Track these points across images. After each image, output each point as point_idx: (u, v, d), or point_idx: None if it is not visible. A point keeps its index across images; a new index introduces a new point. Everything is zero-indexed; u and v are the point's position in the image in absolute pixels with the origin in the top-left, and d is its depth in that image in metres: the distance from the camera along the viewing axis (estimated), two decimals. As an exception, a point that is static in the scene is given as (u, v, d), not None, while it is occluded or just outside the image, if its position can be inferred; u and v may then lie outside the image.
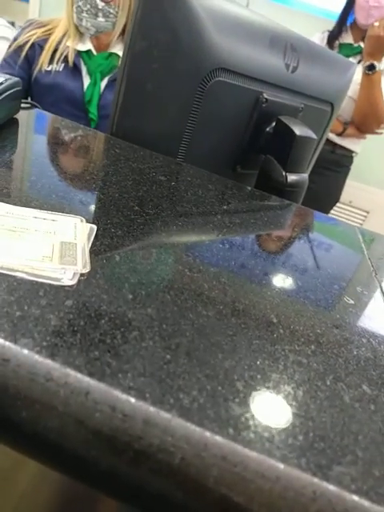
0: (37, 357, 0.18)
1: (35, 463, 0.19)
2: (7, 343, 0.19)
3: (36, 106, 0.57)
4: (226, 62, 0.58)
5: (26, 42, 1.05)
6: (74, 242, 0.28)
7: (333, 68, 0.81)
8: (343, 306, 0.32)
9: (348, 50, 1.50)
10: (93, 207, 0.35)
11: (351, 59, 1.41)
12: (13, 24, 1.22)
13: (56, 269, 0.25)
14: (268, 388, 0.21)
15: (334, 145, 1.56)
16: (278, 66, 0.67)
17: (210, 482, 0.17)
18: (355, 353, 0.26)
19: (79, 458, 0.17)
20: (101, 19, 1.01)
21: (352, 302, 0.33)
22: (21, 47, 1.05)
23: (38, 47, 1.05)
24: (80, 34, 1.05)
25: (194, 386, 0.19)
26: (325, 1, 2.18)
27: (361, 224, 2.27)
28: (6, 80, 0.45)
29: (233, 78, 0.59)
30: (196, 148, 0.60)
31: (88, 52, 1.06)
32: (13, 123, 0.48)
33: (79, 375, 0.18)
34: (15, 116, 0.49)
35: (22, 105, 0.52)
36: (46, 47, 1.04)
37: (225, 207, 0.44)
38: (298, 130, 0.63)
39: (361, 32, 1.47)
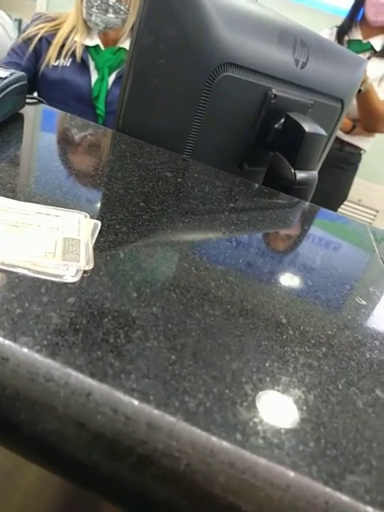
0: (37, 356, 0.18)
1: (35, 465, 0.18)
2: (6, 341, 0.18)
3: (41, 102, 0.57)
4: (234, 56, 0.56)
5: (35, 34, 1.04)
6: (77, 238, 0.27)
7: (343, 64, 0.80)
8: (355, 306, 0.31)
9: (357, 47, 1.48)
10: (97, 203, 0.34)
11: (360, 56, 1.39)
12: (20, 21, 1.22)
13: (58, 265, 0.24)
14: (277, 391, 0.20)
15: (342, 142, 1.54)
16: (287, 61, 0.66)
17: (217, 490, 0.16)
18: (368, 356, 0.25)
19: (79, 462, 0.17)
20: (111, 15, 1.00)
21: (364, 302, 0.32)
22: (30, 39, 1.05)
23: (45, 42, 1.05)
24: (88, 30, 1.05)
25: (200, 388, 0.19)
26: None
27: (370, 223, 2.25)
28: (10, 74, 0.45)
29: (241, 73, 0.58)
30: (203, 144, 0.59)
31: (96, 47, 1.05)
32: (18, 118, 0.48)
33: (80, 376, 0.17)
34: (20, 111, 0.49)
35: (28, 100, 0.52)
36: (54, 42, 1.03)
37: (232, 204, 0.44)
38: (308, 126, 0.62)
39: (370, 29, 1.45)
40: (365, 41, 1.49)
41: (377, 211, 2.26)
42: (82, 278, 0.24)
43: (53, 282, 0.23)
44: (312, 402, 0.20)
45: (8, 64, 1.04)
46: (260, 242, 0.38)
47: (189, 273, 0.28)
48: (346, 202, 1.74)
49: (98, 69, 1.06)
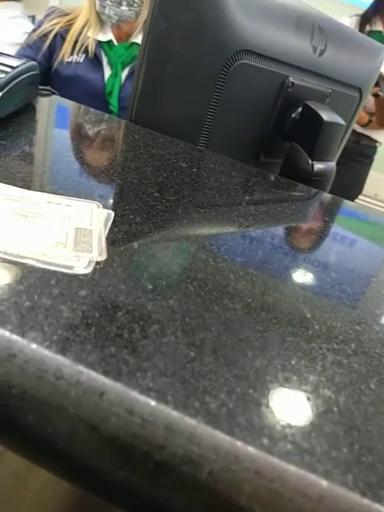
0: (46, 352, 0.16)
1: (46, 467, 0.17)
2: (14, 336, 0.17)
3: (54, 93, 0.55)
4: (251, 43, 0.54)
5: (50, 31, 1.03)
6: (89, 229, 0.26)
7: (362, 52, 0.77)
8: (383, 300, 0.29)
9: (378, 38, 1.43)
10: (110, 193, 0.33)
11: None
12: (33, 18, 1.21)
13: (70, 256, 0.23)
14: (305, 392, 0.19)
15: (358, 134, 1.51)
16: (304, 48, 0.63)
17: (243, 500, 0.15)
18: (400, 353, 0.23)
19: (91, 467, 0.15)
20: (124, 8, 0.98)
21: (393, 296, 0.30)
22: (45, 35, 1.04)
23: (59, 38, 1.04)
24: (101, 24, 1.03)
25: (221, 387, 0.17)
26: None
27: (386, 218, 2.19)
28: (22, 63, 0.44)
29: (258, 60, 0.56)
30: (218, 135, 0.57)
31: (109, 42, 1.04)
32: (30, 109, 0.47)
33: (93, 373, 0.16)
34: (33, 102, 0.48)
35: (40, 91, 0.51)
36: (68, 38, 1.02)
37: (249, 196, 0.42)
38: (326, 115, 0.60)
39: None
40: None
41: (394, 205, 2.21)
42: (95, 269, 0.22)
43: (64, 274, 0.21)
44: (343, 402, 0.19)
45: (22, 57, 1.04)
46: (279, 233, 0.36)
47: (206, 264, 0.26)
48: (361, 196, 1.70)
49: (111, 64, 1.05)
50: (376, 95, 1.35)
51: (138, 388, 0.16)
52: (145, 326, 0.19)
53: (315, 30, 0.65)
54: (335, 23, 0.69)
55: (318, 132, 0.60)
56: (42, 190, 0.29)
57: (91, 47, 1.02)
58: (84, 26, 1.04)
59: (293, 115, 0.63)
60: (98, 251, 0.24)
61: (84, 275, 0.22)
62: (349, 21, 1.49)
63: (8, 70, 0.41)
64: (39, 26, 1.06)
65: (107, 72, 1.05)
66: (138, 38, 1.06)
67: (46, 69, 1.05)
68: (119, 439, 0.15)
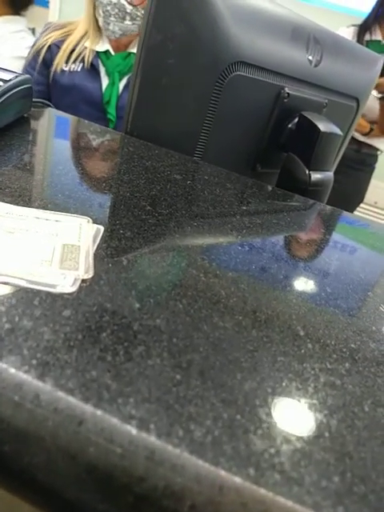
0: (25, 377, 0.16)
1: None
2: (-8, 361, 0.16)
3: (48, 105, 0.55)
4: (246, 55, 0.54)
5: (44, 45, 1.04)
6: (77, 245, 0.25)
7: (358, 62, 0.77)
8: (379, 316, 0.28)
9: (377, 47, 1.44)
10: (101, 207, 0.33)
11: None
12: (33, 30, 1.22)
13: (55, 274, 0.22)
14: (296, 416, 0.18)
15: (359, 143, 1.51)
16: (300, 59, 0.64)
17: (227, 536, 0.14)
18: (396, 371, 0.23)
19: (71, 500, 0.15)
20: (128, 22, 0.99)
21: (389, 311, 0.29)
22: (39, 51, 1.05)
23: (55, 48, 1.04)
24: (100, 36, 1.04)
25: (207, 413, 0.16)
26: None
27: (387, 226, 2.19)
28: (15, 77, 0.44)
29: (253, 71, 0.56)
30: (213, 146, 0.57)
31: (106, 52, 1.05)
32: (23, 122, 0.47)
33: (72, 400, 0.15)
34: (26, 115, 0.48)
35: (34, 103, 0.51)
36: (63, 47, 1.03)
37: (244, 207, 0.41)
38: (323, 125, 0.59)
39: None
40: (385, 41, 1.45)
41: (394, 213, 2.20)
42: (81, 287, 0.22)
43: (48, 293, 0.21)
44: (335, 427, 0.18)
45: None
46: (274, 246, 0.35)
47: (197, 280, 0.26)
48: (361, 204, 1.69)
49: (108, 74, 1.05)
50: (382, 98, 1.34)
51: (119, 415, 0.15)
52: (130, 347, 0.19)
53: (310, 40, 0.65)
54: (331, 34, 0.69)
55: (315, 142, 0.59)
56: (31, 204, 0.29)
57: (88, 58, 1.03)
58: (81, 37, 1.04)
59: (289, 126, 0.63)
60: (84, 268, 0.23)
61: (69, 294, 0.21)
62: (347, 31, 1.50)
63: (0, 83, 0.41)
64: (35, 44, 1.07)
65: (105, 81, 1.06)
66: (135, 48, 1.07)
67: (45, 84, 1.05)
68: (98, 470, 0.14)
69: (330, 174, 0.64)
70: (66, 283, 0.22)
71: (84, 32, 1.04)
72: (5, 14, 1.09)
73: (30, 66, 1.06)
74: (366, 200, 1.68)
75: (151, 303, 0.22)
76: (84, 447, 0.15)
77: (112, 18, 0.98)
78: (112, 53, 1.05)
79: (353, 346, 0.24)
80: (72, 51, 1.03)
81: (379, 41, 1.47)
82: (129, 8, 0.97)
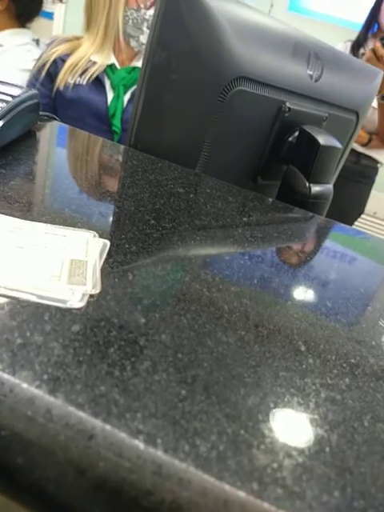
0: (36, 392, 0.16)
1: None
2: (5, 376, 0.17)
3: (54, 118, 0.56)
4: (248, 70, 0.56)
5: (48, 59, 1.05)
6: (84, 260, 0.26)
7: (358, 76, 0.79)
8: (379, 331, 0.29)
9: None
10: (107, 221, 0.33)
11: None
12: (37, 41, 1.24)
13: (64, 289, 0.23)
14: (297, 431, 0.18)
15: (359, 155, 1.52)
16: (301, 74, 0.65)
17: (231, 549, 0.14)
18: (395, 387, 0.23)
19: (80, 513, 0.15)
20: (145, 29, 1.01)
21: (388, 326, 0.30)
22: (44, 65, 1.06)
23: (60, 61, 1.06)
24: (109, 49, 1.05)
25: (212, 429, 0.17)
26: (344, 11, 2.17)
27: (386, 236, 2.20)
28: (23, 92, 0.45)
29: (254, 87, 0.57)
30: (216, 159, 0.58)
31: (111, 66, 1.06)
32: (30, 136, 0.47)
33: (82, 415, 0.16)
34: (33, 128, 0.49)
35: (41, 117, 0.52)
36: (70, 61, 1.04)
37: (245, 219, 0.42)
38: (322, 139, 0.60)
39: None
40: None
41: (393, 223, 2.22)
42: (88, 302, 0.22)
43: (57, 308, 0.21)
44: (335, 442, 0.18)
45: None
46: (275, 260, 0.36)
47: (200, 295, 0.27)
48: (361, 215, 1.70)
49: (113, 87, 1.07)
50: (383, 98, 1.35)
51: (128, 430, 0.16)
52: (136, 362, 0.19)
53: (311, 56, 0.66)
54: (331, 50, 0.71)
55: (315, 155, 0.61)
56: (39, 219, 0.29)
57: (95, 72, 1.04)
58: (90, 52, 1.05)
59: (290, 139, 0.64)
60: (92, 284, 0.24)
61: (77, 309, 0.22)
62: (343, 46, 1.53)
63: (8, 98, 0.42)
64: (40, 57, 1.08)
65: (110, 95, 1.07)
66: (139, 63, 1.08)
67: (49, 97, 1.07)
68: (108, 484, 0.15)
69: (330, 187, 0.65)
70: (74, 298, 0.22)
71: (93, 47, 1.05)
72: (11, 26, 1.10)
73: (34, 78, 1.08)
74: (365, 211, 1.70)
75: (156, 318, 0.23)
76: (94, 461, 0.15)
77: (145, 28, 1.00)
78: (118, 66, 1.07)
79: (353, 361, 0.24)
80: (77, 65, 1.04)
81: None
82: (147, 14, 0.99)
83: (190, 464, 0.15)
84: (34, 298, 0.22)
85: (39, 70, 1.07)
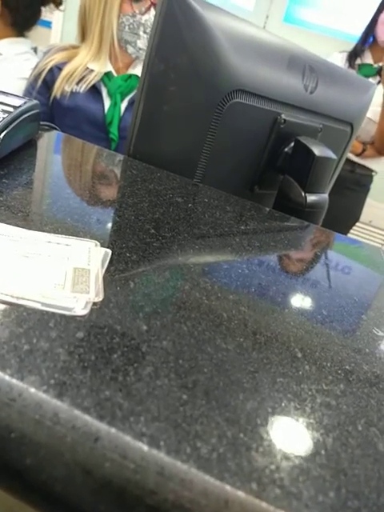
0: (44, 396, 0.17)
1: None
2: (14, 381, 0.17)
3: (55, 128, 0.57)
4: (244, 83, 0.57)
5: (44, 68, 1.07)
6: (87, 268, 0.27)
7: (352, 88, 0.80)
8: (372, 338, 0.30)
9: (368, 71, 1.50)
10: (108, 230, 0.34)
11: (371, 80, 1.41)
12: (35, 50, 1.26)
13: (68, 297, 0.24)
14: (294, 434, 0.19)
15: (353, 164, 1.55)
16: (296, 86, 0.66)
17: (231, 547, 0.15)
18: (388, 392, 0.24)
19: (86, 512, 0.16)
20: (142, 34, 1.03)
21: (382, 333, 0.31)
22: (40, 73, 1.07)
23: (56, 70, 1.07)
24: (105, 57, 1.07)
25: (212, 432, 0.18)
26: (338, 22, 2.21)
27: (381, 245, 2.22)
28: (24, 103, 0.46)
29: (251, 99, 0.59)
30: (213, 169, 0.59)
31: (108, 74, 1.08)
32: (31, 145, 0.48)
33: (88, 418, 0.17)
34: (33, 138, 0.50)
35: (41, 126, 0.53)
36: (66, 69, 1.05)
37: (242, 228, 0.43)
38: (318, 150, 0.62)
39: (381, 52, 1.47)
40: (375, 65, 1.51)
41: (388, 232, 2.24)
42: (92, 310, 0.23)
43: (62, 316, 0.22)
44: (330, 445, 0.19)
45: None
46: (271, 268, 0.37)
47: (200, 303, 0.27)
48: (356, 224, 1.72)
49: (110, 95, 1.08)
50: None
51: (132, 433, 0.17)
52: (139, 368, 0.20)
53: (306, 69, 0.68)
54: (325, 63, 0.73)
55: (311, 166, 0.62)
56: (42, 228, 0.30)
57: (92, 80, 1.05)
58: (86, 61, 1.07)
59: (285, 150, 0.65)
60: (95, 292, 0.25)
61: (81, 317, 0.22)
62: (339, 56, 1.56)
63: (10, 109, 0.43)
64: (36, 66, 1.09)
65: (107, 103, 1.09)
66: (135, 70, 1.10)
67: (45, 105, 1.08)
68: (113, 484, 0.16)
69: (325, 196, 0.66)
70: (78, 306, 0.23)
71: (90, 55, 1.06)
72: (9, 35, 1.12)
73: (31, 86, 1.09)
74: (361, 219, 1.72)
75: (158, 325, 0.24)
76: (100, 462, 0.16)
77: (142, 33, 1.02)
78: (114, 74, 1.08)
79: (347, 367, 0.25)
80: (74, 73, 1.05)
81: (370, 64, 1.52)
82: (143, 18, 1.00)
83: (191, 465, 0.16)
84: (39, 306, 0.22)
85: (36, 79, 1.08)
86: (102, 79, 1.08)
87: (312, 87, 0.69)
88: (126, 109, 1.09)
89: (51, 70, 1.06)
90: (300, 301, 0.33)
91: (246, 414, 0.19)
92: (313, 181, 0.63)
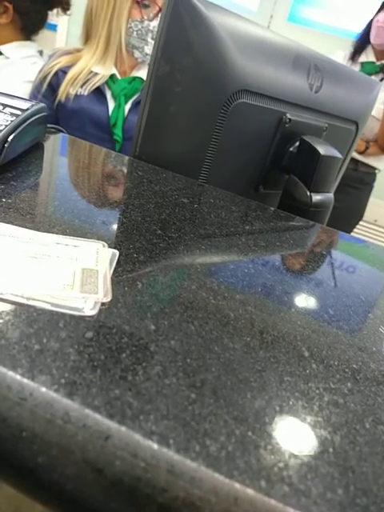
0: (55, 395, 0.17)
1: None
2: (25, 380, 0.18)
3: (61, 131, 0.58)
4: (249, 83, 0.57)
5: (50, 71, 1.07)
6: (95, 269, 0.27)
7: (357, 87, 0.80)
8: (379, 337, 0.30)
9: (370, 68, 1.49)
10: (115, 232, 0.34)
11: (373, 77, 1.40)
12: (41, 53, 1.27)
13: (77, 298, 0.24)
14: (302, 432, 0.19)
15: (357, 162, 1.54)
16: (301, 86, 0.66)
17: (241, 543, 0.15)
18: (395, 391, 0.24)
19: (97, 510, 0.16)
20: (150, 40, 1.03)
21: (388, 332, 0.31)
22: (45, 76, 1.08)
23: (61, 73, 1.08)
24: (110, 60, 1.07)
25: (221, 430, 0.18)
26: (342, 21, 2.20)
27: (387, 243, 2.21)
28: (31, 106, 0.46)
29: (256, 99, 0.59)
30: (218, 169, 0.59)
31: (112, 76, 1.08)
32: (38, 148, 0.49)
33: (98, 417, 0.17)
34: (41, 140, 0.50)
35: (48, 129, 0.53)
36: (71, 72, 1.06)
37: (248, 228, 0.43)
38: (323, 149, 0.62)
39: (381, 50, 1.47)
40: (378, 62, 1.50)
41: (394, 231, 2.23)
42: (100, 310, 0.23)
43: (71, 316, 0.22)
44: (338, 443, 0.19)
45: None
46: (277, 268, 0.37)
47: (207, 303, 0.28)
48: (361, 223, 1.72)
49: (114, 97, 1.09)
50: None
51: (141, 431, 0.17)
52: (148, 367, 0.20)
53: (311, 68, 0.68)
54: (330, 61, 0.72)
55: (316, 165, 0.62)
56: (51, 230, 0.31)
57: (97, 83, 1.06)
58: (91, 64, 1.07)
59: (291, 149, 0.65)
60: (103, 292, 0.25)
61: (90, 317, 0.23)
62: (342, 55, 1.55)
63: (18, 112, 0.44)
64: (42, 69, 1.10)
65: (111, 105, 1.09)
66: (139, 73, 1.10)
67: (51, 108, 1.09)
68: (124, 482, 0.16)
69: (331, 195, 0.66)
70: (87, 306, 0.23)
71: (94, 59, 1.07)
72: (16, 39, 1.13)
73: (36, 90, 1.10)
74: (365, 218, 1.71)
75: (165, 325, 0.24)
76: (111, 461, 0.16)
77: (149, 39, 1.02)
78: (118, 77, 1.09)
79: (354, 366, 0.25)
80: (78, 76, 1.06)
81: (373, 62, 1.52)
82: (151, 25, 1.01)
83: (201, 463, 0.16)
84: (48, 306, 0.23)
85: (41, 82, 1.09)
86: (106, 82, 1.08)
87: (317, 86, 0.69)
88: (130, 110, 1.09)
89: (56, 73, 1.07)
90: (306, 300, 0.33)
91: (254, 412, 0.19)
92: (318, 180, 0.63)
